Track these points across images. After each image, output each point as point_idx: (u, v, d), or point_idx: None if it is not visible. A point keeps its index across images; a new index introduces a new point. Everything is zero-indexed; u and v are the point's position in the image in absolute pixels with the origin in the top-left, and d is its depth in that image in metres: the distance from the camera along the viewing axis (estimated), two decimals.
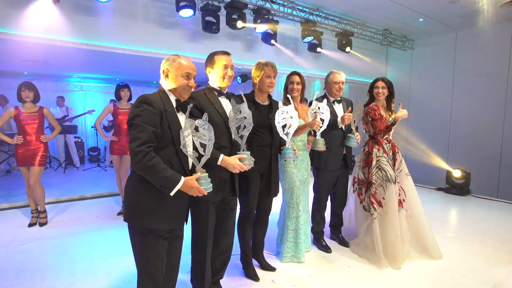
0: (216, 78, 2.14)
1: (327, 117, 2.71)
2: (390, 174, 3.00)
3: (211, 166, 1.96)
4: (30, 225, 3.72)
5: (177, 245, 1.86)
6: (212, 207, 2.09)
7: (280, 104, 2.50)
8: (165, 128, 1.63)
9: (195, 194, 1.66)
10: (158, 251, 1.68)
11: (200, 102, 2.05)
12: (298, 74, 2.94)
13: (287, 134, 2.41)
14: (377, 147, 3.09)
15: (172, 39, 5.33)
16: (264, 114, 2.45)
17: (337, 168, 3.17)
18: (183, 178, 1.62)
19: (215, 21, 5.15)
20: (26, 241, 3.32)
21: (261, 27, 5.59)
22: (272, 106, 2.53)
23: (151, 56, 5.24)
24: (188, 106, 1.76)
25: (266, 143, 2.48)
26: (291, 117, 2.37)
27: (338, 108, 3.18)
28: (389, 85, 3.15)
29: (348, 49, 6.77)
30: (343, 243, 3.33)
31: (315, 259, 3.02)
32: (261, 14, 5.52)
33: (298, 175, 2.88)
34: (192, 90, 1.86)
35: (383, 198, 2.97)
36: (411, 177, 3.17)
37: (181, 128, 1.68)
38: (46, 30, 4.23)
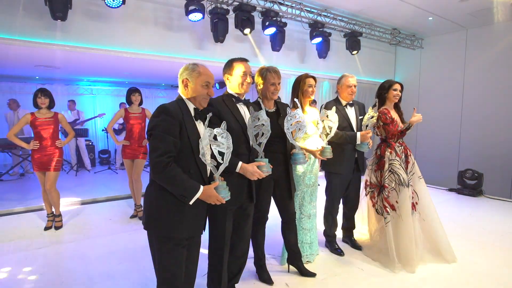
0: (234, 84, 2.16)
1: (335, 124, 2.72)
2: (403, 178, 2.99)
3: (230, 172, 1.99)
4: (46, 228, 3.79)
5: (195, 252, 1.89)
6: (230, 213, 2.11)
7: (288, 109, 2.49)
8: (184, 138, 1.66)
9: (214, 202, 1.69)
10: (177, 259, 1.70)
11: (219, 109, 2.08)
12: (313, 77, 2.94)
13: (297, 139, 2.42)
14: (389, 150, 3.08)
15: (181, 43, 5.38)
16: (273, 120, 2.45)
17: (349, 172, 3.17)
18: (202, 187, 1.65)
19: (224, 24, 5.17)
20: (43, 244, 3.39)
21: (270, 30, 5.60)
22: (280, 112, 2.53)
23: (161, 60, 5.31)
24: (208, 115, 1.78)
25: (278, 149, 2.49)
26: (300, 122, 2.38)
27: (351, 112, 3.18)
28: (403, 88, 3.17)
29: (354, 52, 6.73)
30: (356, 246, 3.33)
31: (328, 262, 3.02)
32: (269, 16, 5.53)
33: (305, 179, 2.89)
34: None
35: (396, 202, 2.97)
36: (423, 179, 3.16)
37: (200, 137, 1.71)
38: (58, 36, 4.30)
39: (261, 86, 2.46)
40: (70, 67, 6.05)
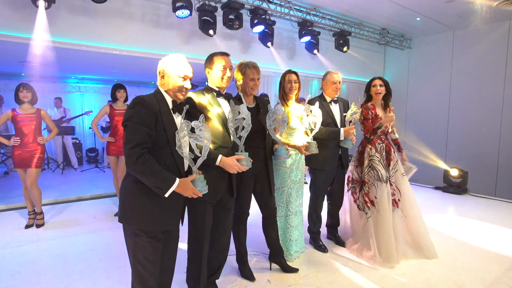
0: (214, 78, 2.15)
1: (319, 119, 2.71)
2: (381, 174, 3.02)
3: (209, 167, 1.98)
4: (27, 226, 3.72)
5: (172, 247, 1.87)
6: (209, 207, 2.10)
7: (279, 106, 2.48)
8: (160, 129, 1.64)
9: (190, 195, 1.67)
10: (152, 253, 1.68)
11: (199, 103, 2.06)
12: (295, 72, 2.94)
13: (279, 134, 2.42)
14: (369, 146, 3.11)
15: (169, 40, 5.34)
16: (253, 116, 2.43)
17: (333, 169, 3.17)
18: (177, 180, 1.62)
19: (212, 21, 5.15)
20: (22, 242, 3.32)
21: (258, 28, 5.59)
22: (260, 107, 2.52)
23: (148, 57, 5.26)
24: (184, 107, 1.78)
25: (258, 144, 2.48)
26: (281, 117, 2.38)
27: (335, 108, 3.18)
28: (386, 84, 3.17)
29: (345, 48, 6.78)
30: (340, 242, 3.33)
31: (311, 259, 3.02)
32: (258, 14, 5.53)
33: (291, 175, 2.88)
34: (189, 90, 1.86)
35: (375, 197, 3.00)
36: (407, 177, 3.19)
37: (177, 129, 1.69)
38: (42, 31, 4.22)
39: (241, 81, 2.45)
40: (55, 64, 5.95)
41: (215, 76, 2.13)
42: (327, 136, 3.00)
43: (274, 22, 5.78)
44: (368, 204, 3.03)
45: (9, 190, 5.37)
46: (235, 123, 2.03)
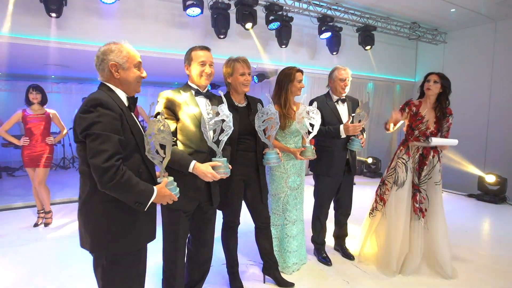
0: (193, 76, 1.98)
1: (317, 121, 2.46)
2: (400, 177, 2.77)
3: (183, 173, 1.82)
4: (35, 225, 3.79)
5: (143, 266, 1.63)
6: (184, 217, 1.93)
7: (271, 106, 2.23)
8: (127, 133, 1.42)
9: (166, 202, 1.50)
10: (129, 278, 1.50)
11: (173, 102, 1.90)
12: (301, 71, 2.70)
13: (269, 136, 2.20)
14: (401, 147, 2.86)
15: (183, 40, 5.27)
16: (244, 117, 2.23)
17: (339, 174, 2.89)
18: (155, 188, 1.44)
19: (225, 19, 5.01)
20: (26, 241, 3.37)
21: (274, 25, 5.38)
22: (251, 107, 2.31)
23: (163, 57, 5.23)
24: (150, 105, 1.59)
25: (249, 147, 2.28)
26: (272, 118, 2.17)
27: (342, 108, 2.90)
28: (444, 81, 2.71)
29: (370, 45, 6.35)
30: (347, 255, 3.04)
31: (312, 272, 2.77)
32: (273, 11, 5.31)
33: (288, 180, 2.65)
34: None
35: (387, 200, 2.83)
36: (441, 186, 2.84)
37: (140, 129, 1.53)
38: (54, 34, 4.32)
39: (230, 78, 2.25)
40: (77, 65, 6.13)
41: (193, 73, 1.96)
42: (326, 135, 2.72)
43: (291, 18, 5.53)
44: (379, 204, 2.91)
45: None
46: (212, 125, 1.84)
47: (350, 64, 6.83)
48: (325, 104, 2.86)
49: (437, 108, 2.78)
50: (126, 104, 1.53)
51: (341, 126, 2.70)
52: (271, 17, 5.33)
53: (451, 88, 2.74)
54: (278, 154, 2.24)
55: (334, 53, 6.23)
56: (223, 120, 1.88)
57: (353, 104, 2.95)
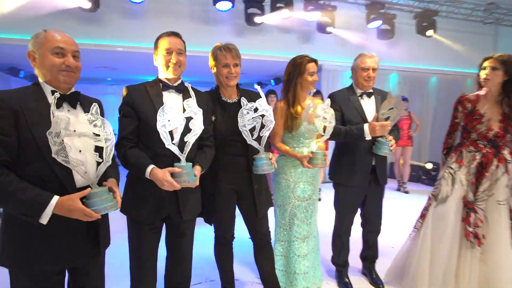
0: (159, 67, 1.71)
1: (330, 122, 2.00)
2: (442, 191, 2.21)
3: (143, 179, 1.56)
4: None
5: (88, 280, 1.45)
6: (147, 229, 1.67)
7: (262, 100, 1.85)
8: (25, 133, 1.23)
9: (82, 218, 1.24)
10: None
11: (134, 97, 1.66)
12: (315, 60, 2.28)
13: (260, 138, 1.83)
14: (453, 153, 2.27)
15: (217, 36, 5.09)
16: (233, 114, 1.87)
17: (364, 184, 2.37)
18: (55, 198, 1.21)
19: (260, 12, 4.72)
20: None
21: (314, 15, 4.92)
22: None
23: (197, 55, 5.13)
24: (94, 105, 1.35)
25: (239, 151, 1.93)
26: (264, 116, 1.80)
27: (368, 104, 2.37)
28: (508, 65, 2.04)
29: (430, 32, 5.49)
30: (375, 282, 2.50)
31: None
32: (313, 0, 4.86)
33: (296, 189, 2.23)
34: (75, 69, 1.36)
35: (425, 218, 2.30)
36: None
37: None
38: (92, 36, 4.47)
39: (215, 69, 1.94)
40: (123, 67, 6.39)
41: (160, 64, 1.69)
42: (347, 136, 2.23)
43: (334, 7, 5.01)
44: (419, 221, 2.36)
45: None
46: (173, 123, 1.54)
47: (408, 56, 6.04)
48: (346, 99, 2.37)
49: (504, 102, 2.11)
50: (51, 99, 1.26)
51: (366, 126, 2.19)
52: (310, 7, 4.88)
53: None
54: (270, 159, 1.86)
55: (386, 44, 5.52)
56: (190, 118, 1.59)
57: (382, 99, 2.39)
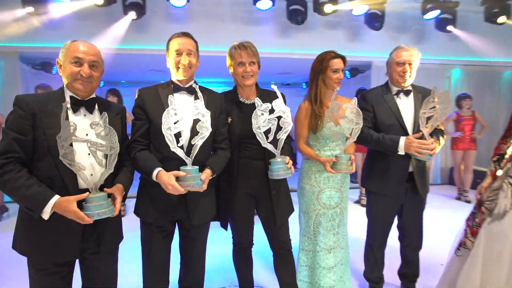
0: (171, 69, 1.70)
1: (357, 124, 1.81)
2: (499, 205, 1.84)
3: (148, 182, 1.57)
4: None
5: (96, 276, 1.51)
6: (156, 232, 1.66)
7: (279, 101, 1.72)
8: (39, 134, 1.33)
9: (76, 220, 1.30)
10: None
11: (145, 99, 1.66)
12: (342, 57, 2.09)
13: (277, 141, 1.71)
14: (508, 163, 1.91)
15: (260, 36, 5.06)
16: (249, 115, 1.74)
17: (400, 192, 2.11)
18: (55, 197, 1.28)
19: (302, 9, 4.56)
20: None
21: (360, 9, 4.61)
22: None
23: None
24: (103, 114, 1.38)
25: (255, 154, 1.83)
26: (281, 117, 1.69)
27: (405, 103, 2.10)
28: None
29: (503, 19, 4.79)
30: None
31: None
32: None
33: (321, 196, 2.06)
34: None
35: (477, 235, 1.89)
36: None
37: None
38: (138, 41, 4.72)
39: (232, 69, 1.87)
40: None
41: (170, 66, 1.68)
42: (378, 145, 2.01)
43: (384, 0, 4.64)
44: (469, 239, 1.94)
45: None
46: (179, 126, 1.52)
47: (473, 48, 5.35)
48: (380, 98, 2.14)
49: None
50: (69, 104, 1.39)
51: (402, 140, 1.95)
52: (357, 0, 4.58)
53: None
54: (287, 164, 1.73)
55: (449, 35, 4.95)
56: (198, 120, 1.54)
57: (424, 98, 2.09)
